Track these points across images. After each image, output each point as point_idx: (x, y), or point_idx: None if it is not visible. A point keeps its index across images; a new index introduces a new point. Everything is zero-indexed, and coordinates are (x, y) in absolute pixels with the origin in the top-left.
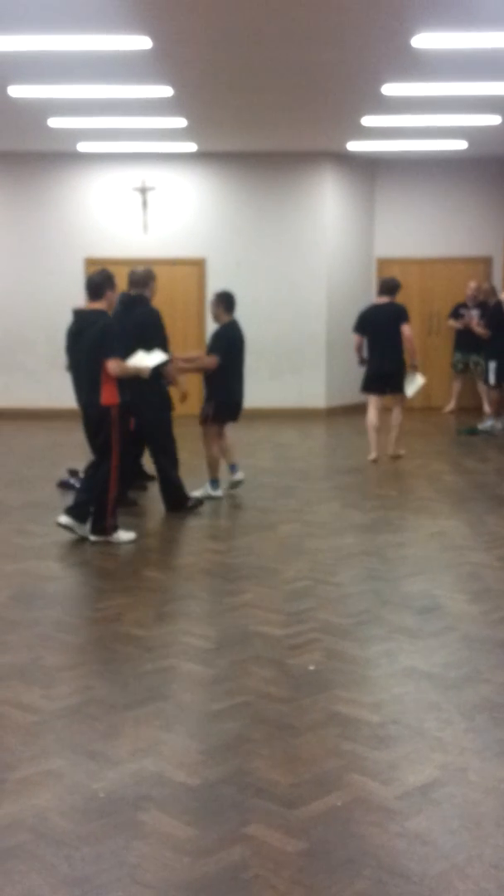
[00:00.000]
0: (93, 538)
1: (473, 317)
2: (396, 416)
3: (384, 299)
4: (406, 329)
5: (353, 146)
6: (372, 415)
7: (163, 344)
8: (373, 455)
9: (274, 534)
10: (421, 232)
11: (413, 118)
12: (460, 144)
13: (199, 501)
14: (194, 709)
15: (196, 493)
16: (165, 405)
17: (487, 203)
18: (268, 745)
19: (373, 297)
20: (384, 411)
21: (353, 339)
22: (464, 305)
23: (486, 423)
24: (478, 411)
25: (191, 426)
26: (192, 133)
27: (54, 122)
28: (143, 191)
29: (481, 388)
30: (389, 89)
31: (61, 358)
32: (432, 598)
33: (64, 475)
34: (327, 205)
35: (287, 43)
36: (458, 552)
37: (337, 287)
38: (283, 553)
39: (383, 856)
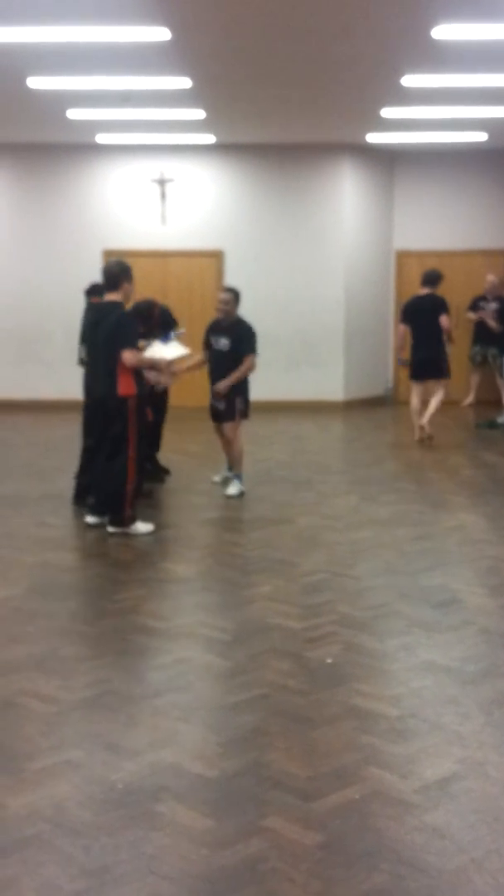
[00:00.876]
0: (111, 529)
1: (490, 310)
2: (435, 400)
3: (426, 290)
4: (444, 320)
5: (373, 138)
6: (414, 401)
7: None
8: (417, 436)
9: (291, 527)
10: (440, 224)
11: (432, 110)
12: (480, 136)
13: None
14: (212, 701)
15: (231, 492)
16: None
17: None
18: (285, 737)
19: (392, 290)
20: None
21: (399, 329)
22: (483, 298)
23: None
24: (497, 404)
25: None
26: (211, 125)
27: (73, 114)
28: (162, 182)
29: (499, 381)
30: (409, 81)
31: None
32: (451, 591)
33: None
34: (346, 197)
35: (306, 34)
36: (476, 546)
37: (355, 280)
38: (301, 546)
39: (401, 849)
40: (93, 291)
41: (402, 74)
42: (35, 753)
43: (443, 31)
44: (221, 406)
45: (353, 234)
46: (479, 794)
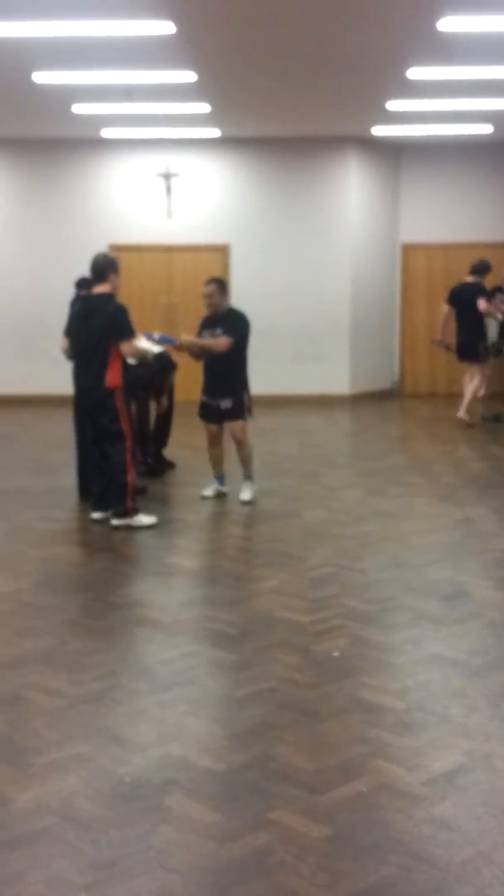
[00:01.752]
0: (115, 522)
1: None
2: (470, 387)
3: (471, 278)
4: (481, 303)
5: (378, 131)
6: (466, 378)
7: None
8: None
9: (298, 520)
10: (446, 217)
11: (438, 102)
12: (486, 129)
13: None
14: (219, 694)
15: (246, 497)
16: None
17: None
18: (292, 730)
19: (398, 283)
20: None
21: (441, 309)
22: (499, 289)
23: None
24: None
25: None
26: (216, 119)
27: (78, 109)
28: (167, 177)
29: None
30: (415, 73)
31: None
32: (458, 584)
33: None
34: (352, 190)
35: (311, 27)
36: (483, 539)
37: (361, 273)
38: (308, 539)
39: (409, 842)
40: (82, 284)
41: (408, 67)
42: (43, 747)
43: (448, 24)
44: (227, 405)
45: (358, 227)
46: (486, 787)
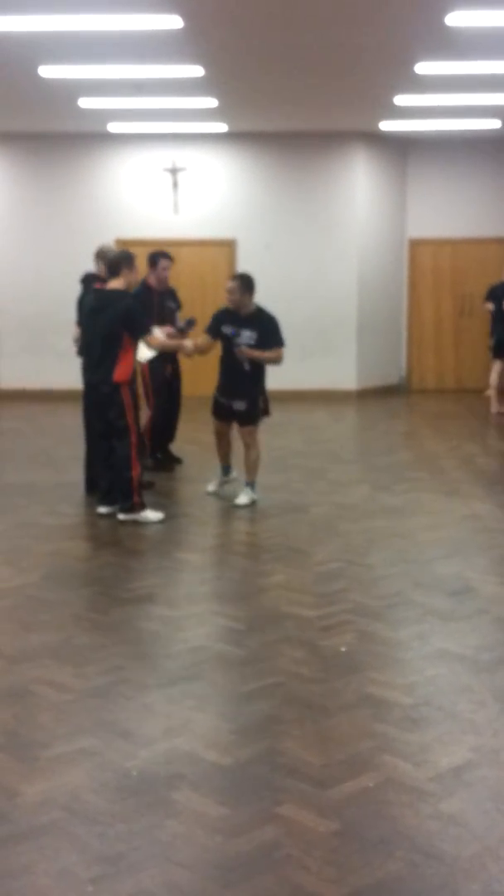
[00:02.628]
0: (121, 517)
1: None
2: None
3: None
4: None
5: (386, 126)
6: (493, 377)
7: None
8: (493, 408)
9: (305, 515)
10: (454, 212)
11: (446, 97)
12: (494, 124)
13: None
14: (226, 689)
15: (242, 501)
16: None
17: None
18: (299, 725)
19: (405, 278)
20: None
21: (487, 307)
22: None
23: None
24: None
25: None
26: (223, 113)
27: (85, 103)
28: (174, 171)
29: None
30: (423, 68)
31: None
32: (464, 580)
33: None
34: (359, 185)
35: (319, 21)
36: (490, 535)
37: (368, 268)
38: (315, 534)
39: (416, 837)
40: (87, 280)
41: (416, 61)
42: (50, 741)
43: (457, 18)
44: (240, 407)
45: (365, 222)
46: (493, 783)
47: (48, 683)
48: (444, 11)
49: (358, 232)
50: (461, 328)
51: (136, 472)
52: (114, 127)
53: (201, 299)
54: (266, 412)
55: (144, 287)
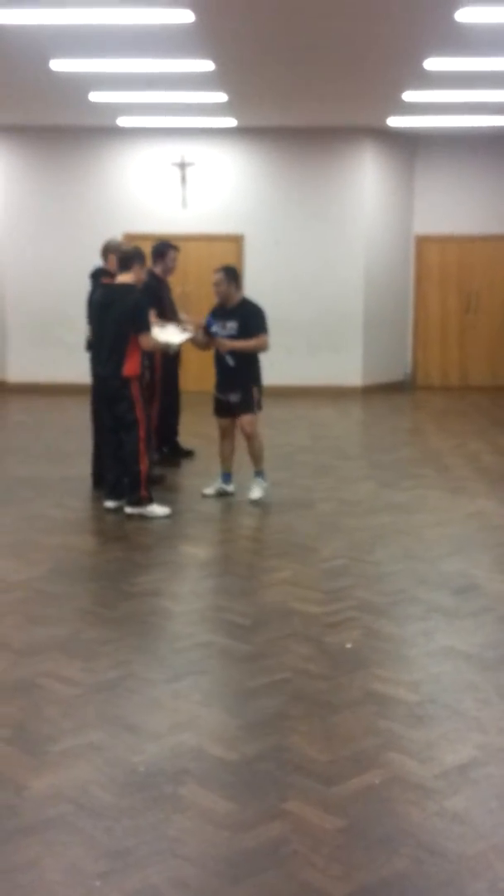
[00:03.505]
0: (128, 510)
1: None
2: None
3: None
4: None
5: (394, 122)
6: None
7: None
8: None
9: (311, 512)
10: (461, 209)
11: (455, 93)
12: (502, 121)
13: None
14: (232, 684)
15: (255, 495)
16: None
17: None
18: (306, 721)
19: (411, 275)
20: None
21: None
22: None
23: None
24: None
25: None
26: (233, 108)
27: (95, 97)
28: (183, 166)
29: None
30: (432, 64)
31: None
32: (470, 578)
33: None
34: (367, 181)
35: (329, 17)
36: (495, 532)
37: (375, 264)
38: (321, 531)
39: (421, 834)
40: (97, 275)
41: (425, 57)
42: (57, 735)
43: (467, 14)
44: (236, 398)
45: (372, 218)
46: (498, 780)
47: (55, 677)
48: (455, 7)
49: (365, 228)
50: (467, 325)
51: (144, 465)
52: (124, 121)
53: (208, 294)
54: (258, 406)
55: (154, 278)
